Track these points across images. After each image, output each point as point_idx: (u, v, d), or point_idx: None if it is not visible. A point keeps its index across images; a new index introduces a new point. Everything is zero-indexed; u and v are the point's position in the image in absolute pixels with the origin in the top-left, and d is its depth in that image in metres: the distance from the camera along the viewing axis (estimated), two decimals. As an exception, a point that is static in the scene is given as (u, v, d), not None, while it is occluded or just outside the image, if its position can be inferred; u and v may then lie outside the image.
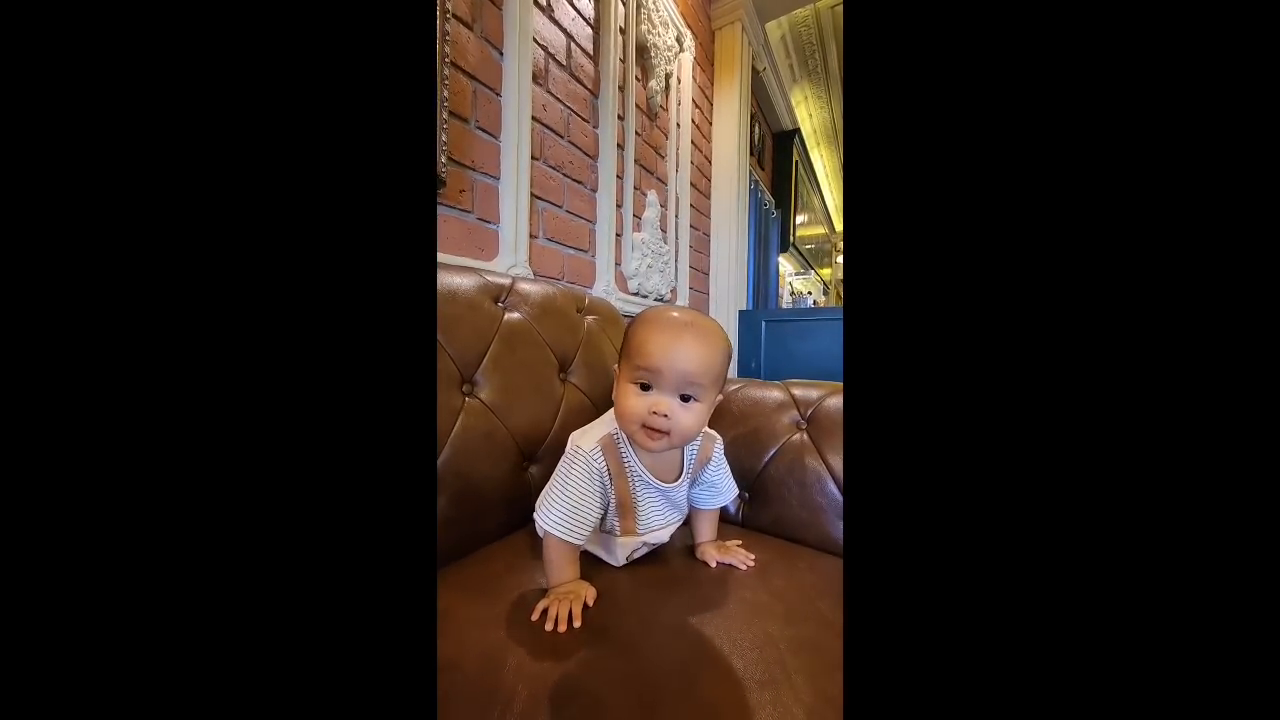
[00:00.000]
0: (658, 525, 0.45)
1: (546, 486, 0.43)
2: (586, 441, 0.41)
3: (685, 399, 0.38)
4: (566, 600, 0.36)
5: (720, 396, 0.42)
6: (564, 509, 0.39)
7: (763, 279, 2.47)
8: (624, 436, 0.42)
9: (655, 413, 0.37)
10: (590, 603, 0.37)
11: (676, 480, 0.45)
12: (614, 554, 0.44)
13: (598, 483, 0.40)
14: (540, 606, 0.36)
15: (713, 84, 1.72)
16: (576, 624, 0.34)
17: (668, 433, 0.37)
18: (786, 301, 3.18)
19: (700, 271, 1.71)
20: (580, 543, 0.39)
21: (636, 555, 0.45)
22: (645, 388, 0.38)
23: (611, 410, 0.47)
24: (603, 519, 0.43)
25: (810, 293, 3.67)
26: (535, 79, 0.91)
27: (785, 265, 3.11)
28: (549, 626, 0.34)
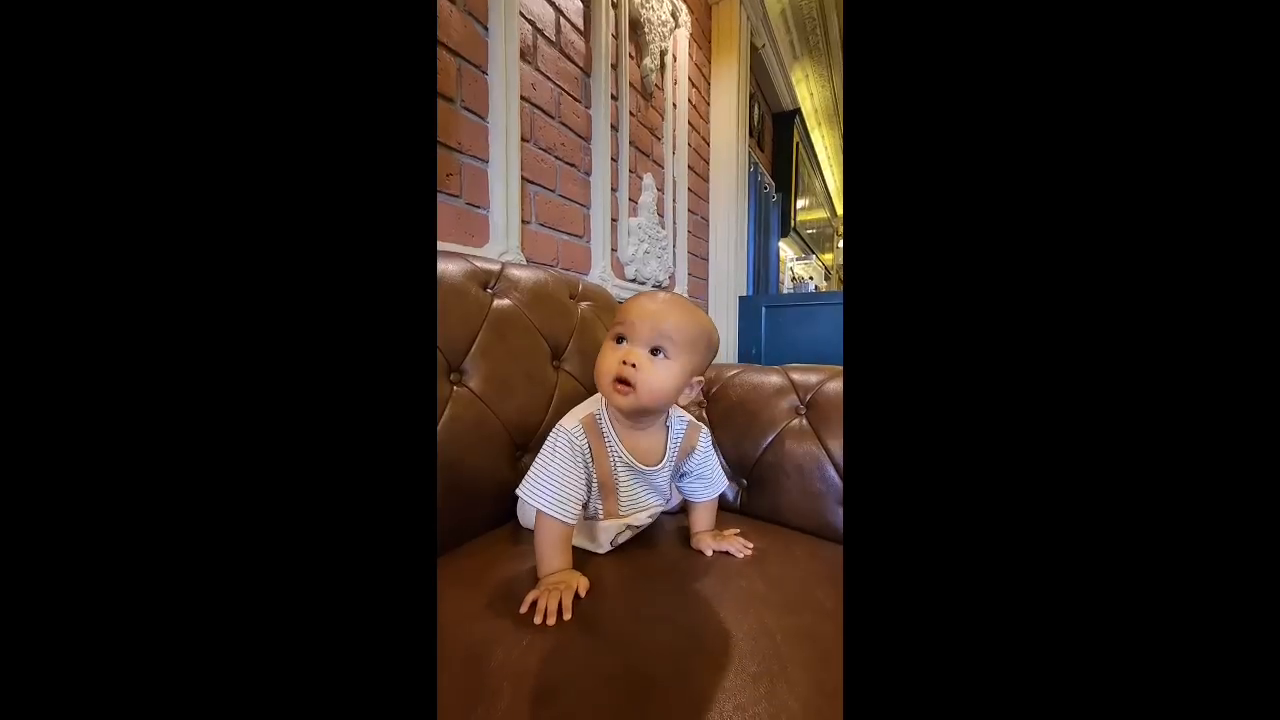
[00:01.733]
0: (640, 506, 0.45)
1: (531, 467, 0.43)
2: (569, 421, 0.42)
3: (655, 352, 0.39)
4: (556, 591, 0.35)
5: (701, 380, 0.43)
6: (550, 485, 0.39)
7: (763, 264, 2.44)
8: (605, 416, 0.43)
9: (625, 362, 0.38)
10: (582, 593, 0.36)
11: (658, 464, 0.44)
12: (597, 539, 0.44)
13: (580, 460, 0.41)
14: (529, 598, 0.35)
15: (710, 62, 1.67)
16: (566, 616, 0.33)
17: (634, 386, 0.38)
18: (787, 287, 3.14)
19: (699, 257, 1.68)
20: (571, 521, 0.39)
21: (621, 540, 0.45)
22: (620, 340, 0.40)
23: (595, 395, 0.46)
24: (586, 504, 0.43)
25: (812, 278, 3.62)
26: (523, 56, 0.87)
27: (786, 250, 3.06)
28: (538, 619, 0.33)
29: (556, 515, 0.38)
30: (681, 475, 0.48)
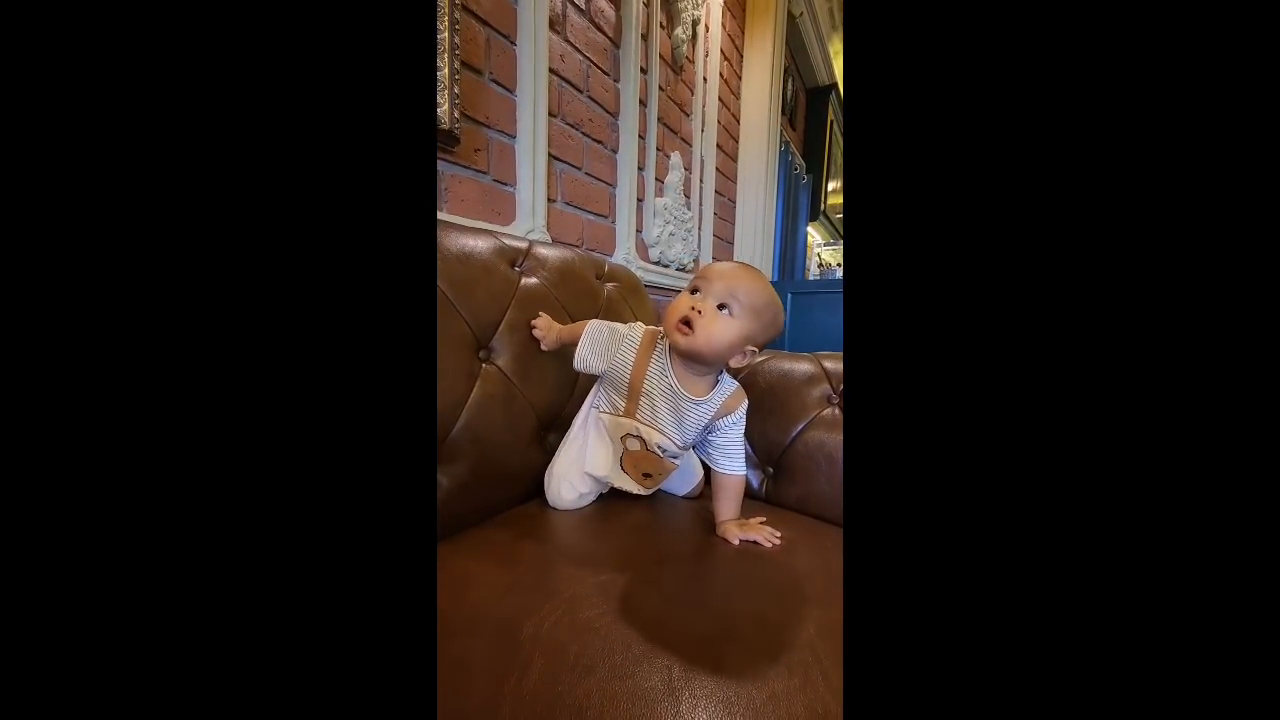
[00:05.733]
0: (660, 424, 0.47)
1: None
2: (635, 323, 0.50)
3: (722, 308, 0.43)
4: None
5: (755, 350, 0.46)
6: (591, 343, 0.49)
7: (790, 249, 2.36)
8: (667, 344, 0.47)
9: (692, 308, 0.43)
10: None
11: (695, 396, 0.46)
12: (607, 434, 0.49)
13: (615, 341, 0.49)
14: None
15: (744, 33, 1.59)
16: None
17: (693, 327, 0.42)
18: (814, 273, 3.04)
19: (725, 240, 1.63)
20: (600, 328, 0.50)
21: (631, 446, 0.48)
22: (694, 292, 0.44)
23: None
24: (609, 399, 0.50)
25: (839, 265, 3.49)
26: (552, 26, 0.84)
27: (814, 235, 2.95)
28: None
29: (590, 347, 0.49)
30: (708, 431, 0.49)
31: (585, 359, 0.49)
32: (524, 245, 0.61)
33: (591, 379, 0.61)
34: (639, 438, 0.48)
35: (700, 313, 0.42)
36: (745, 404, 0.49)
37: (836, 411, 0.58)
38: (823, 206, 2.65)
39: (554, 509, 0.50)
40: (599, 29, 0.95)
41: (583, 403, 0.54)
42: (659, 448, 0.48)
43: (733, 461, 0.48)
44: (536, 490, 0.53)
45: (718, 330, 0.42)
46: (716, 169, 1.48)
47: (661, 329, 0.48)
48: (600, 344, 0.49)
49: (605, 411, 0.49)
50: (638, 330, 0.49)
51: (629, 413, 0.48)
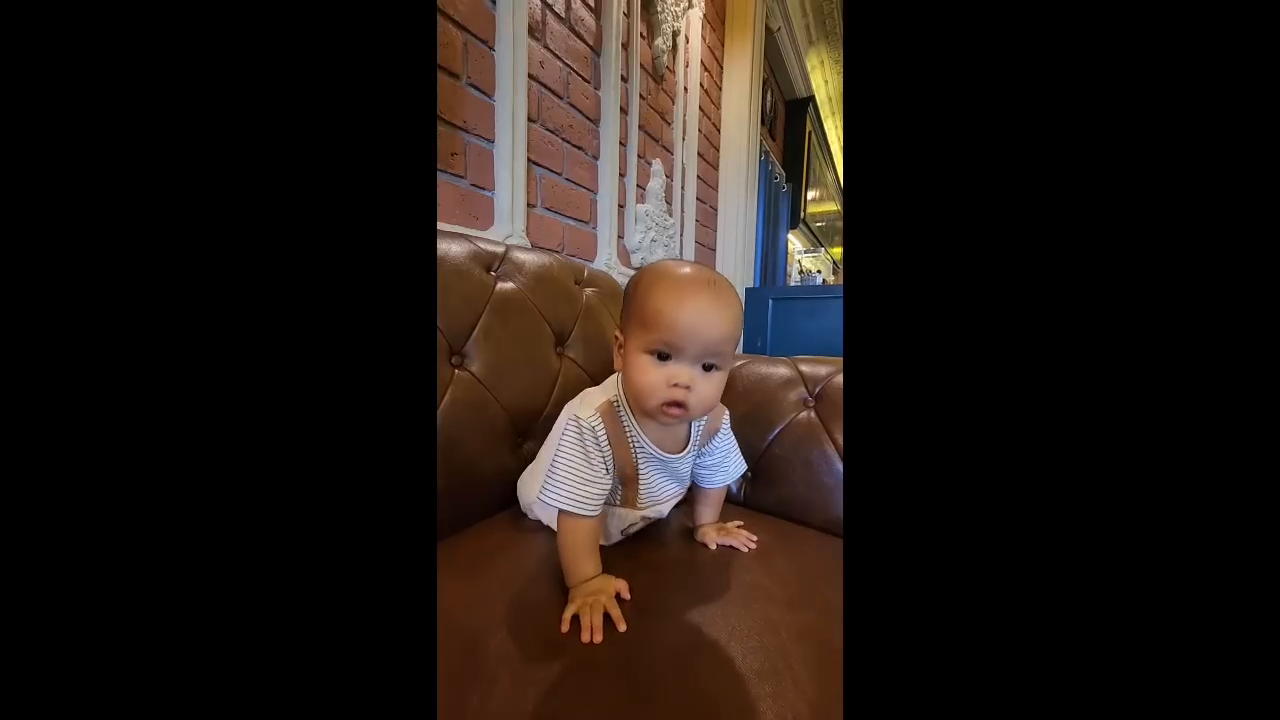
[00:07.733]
0: (660, 498, 0.43)
1: (547, 464, 0.41)
2: (585, 411, 0.38)
3: (707, 368, 0.35)
4: (598, 603, 0.31)
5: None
6: (573, 483, 0.36)
7: (771, 256, 2.40)
8: (625, 403, 0.39)
9: (676, 385, 0.34)
10: (625, 596, 0.33)
11: (681, 452, 0.42)
12: (608, 529, 0.42)
13: (600, 452, 0.38)
14: (568, 614, 0.31)
15: (723, 45, 1.62)
16: (621, 627, 0.30)
17: (687, 407, 0.34)
18: (795, 280, 3.10)
19: (706, 247, 1.65)
20: (595, 515, 0.36)
21: (632, 530, 0.43)
22: (663, 357, 0.34)
23: (611, 378, 0.44)
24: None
25: (819, 271, 3.57)
26: (532, 32, 0.84)
27: (794, 242, 3.02)
28: (585, 637, 0.29)
29: (582, 512, 0.35)
30: (698, 456, 0.47)
31: (590, 497, 0.36)
32: (500, 250, 0.60)
33: (570, 387, 0.61)
34: (644, 519, 0.43)
35: (690, 388, 0.34)
36: (726, 415, 0.47)
37: (812, 415, 0.59)
38: (802, 215, 2.71)
39: (526, 518, 0.49)
40: (579, 37, 0.96)
41: (560, 411, 0.52)
42: (659, 515, 0.45)
43: (727, 474, 0.46)
44: (510, 498, 0.52)
45: (711, 394, 0.35)
46: (698, 176, 1.50)
47: (610, 395, 0.40)
48: (582, 478, 0.36)
49: (606, 503, 0.41)
50: (597, 426, 0.37)
51: (629, 501, 0.41)
